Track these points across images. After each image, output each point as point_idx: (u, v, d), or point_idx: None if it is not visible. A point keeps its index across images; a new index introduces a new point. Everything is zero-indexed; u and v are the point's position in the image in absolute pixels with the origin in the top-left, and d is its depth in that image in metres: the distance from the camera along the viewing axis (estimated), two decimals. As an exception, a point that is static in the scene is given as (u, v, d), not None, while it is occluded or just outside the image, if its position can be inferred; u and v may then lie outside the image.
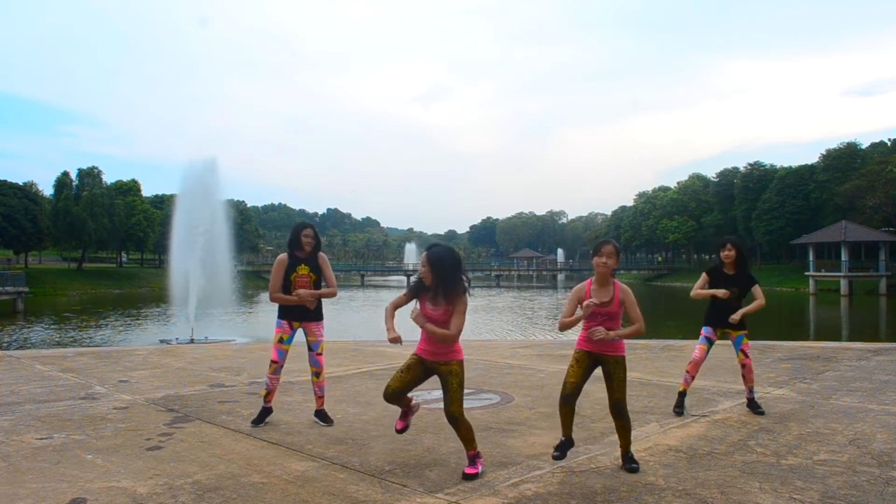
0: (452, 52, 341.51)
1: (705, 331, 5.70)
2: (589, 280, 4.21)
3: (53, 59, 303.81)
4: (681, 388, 5.71)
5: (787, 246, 59.71)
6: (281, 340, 5.28)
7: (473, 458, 4.03)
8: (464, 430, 4.00)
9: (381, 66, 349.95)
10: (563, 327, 4.16)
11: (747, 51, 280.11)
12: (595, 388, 6.84)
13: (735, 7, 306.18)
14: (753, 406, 5.67)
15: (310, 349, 5.38)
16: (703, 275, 5.77)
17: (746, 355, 5.63)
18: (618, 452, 4.49)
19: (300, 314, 5.30)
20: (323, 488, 3.77)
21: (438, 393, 6.69)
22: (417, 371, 4.10)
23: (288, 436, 4.98)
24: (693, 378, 5.70)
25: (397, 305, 4.18)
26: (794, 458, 4.31)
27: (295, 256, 5.28)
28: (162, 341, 18.15)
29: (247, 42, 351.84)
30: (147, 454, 4.51)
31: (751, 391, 5.71)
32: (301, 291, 5.19)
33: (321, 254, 5.38)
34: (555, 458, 4.22)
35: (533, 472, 4.09)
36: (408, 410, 4.36)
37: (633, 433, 5.00)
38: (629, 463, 4.12)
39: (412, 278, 4.27)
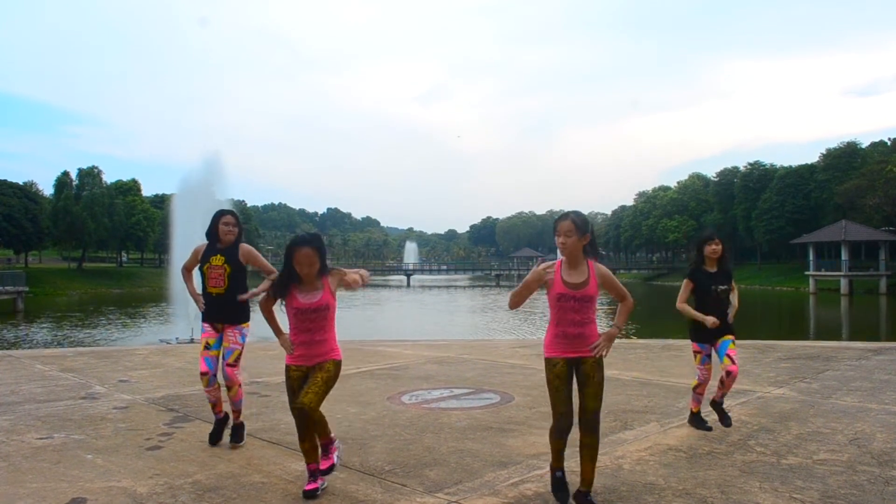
0: (452, 52, 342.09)
1: (702, 348, 5.01)
2: (559, 261, 3.52)
3: (54, 59, 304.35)
4: (693, 409, 5.16)
5: (788, 245, 59.66)
6: (207, 346, 4.63)
7: (326, 446, 3.79)
8: (319, 427, 3.70)
9: (381, 66, 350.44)
10: (514, 303, 3.60)
11: (748, 51, 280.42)
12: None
13: (735, 7, 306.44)
14: (720, 411, 5.07)
15: (222, 357, 4.70)
16: (686, 281, 5.07)
17: (734, 361, 4.94)
18: (619, 452, 4.49)
19: (219, 314, 4.62)
20: (323, 488, 3.77)
21: (438, 393, 6.71)
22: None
23: (288, 435, 4.97)
24: (703, 397, 5.12)
25: (269, 308, 3.84)
26: (794, 458, 4.31)
27: (213, 246, 4.66)
28: (162, 341, 18.13)
29: (247, 42, 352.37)
30: (147, 454, 4.51)
31: (723, 396, 5.08)
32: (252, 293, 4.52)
33: (244, 244, 4.71)
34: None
35: (533, 471, 4.08)
36: (315, 469, 3.71)
37: (634, 432, 5.02)
38: (584, 498, 3.46)
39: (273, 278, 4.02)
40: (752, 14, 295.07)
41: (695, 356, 5.08)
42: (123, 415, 5.71)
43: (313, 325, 3.63)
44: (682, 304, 5.06)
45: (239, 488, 3.81)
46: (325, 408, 5.53)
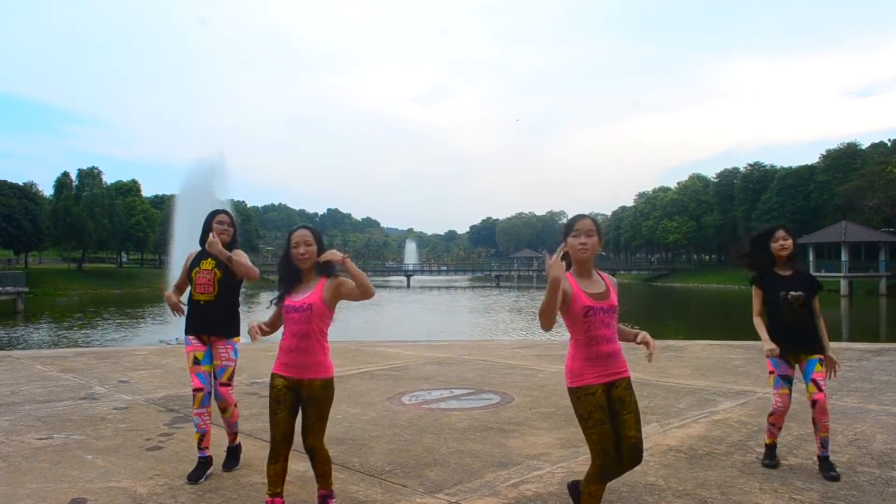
0: (452, 52, 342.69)
1: (775, 366, 4.11)
2: (567, 273, 2.91)
3: (54, 60, 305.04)
4: (766, 441, 4.29)
5: (788, 246, 59.66)
6: (196, 361, 4.13)
7: (325, 499, 3.33)
8: (320, 464, 3.30)
9: (381, 66, 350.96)
10: (548, 321, 2.71)
11: (747, 51, 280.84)
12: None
13: (735, 7, 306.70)
14: (826, 467, 3.97)
15: (213, 376, 4.20)
16: (754, 289, 4.22)
17: (820, 388, 4.02)
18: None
19: (205, 325, 4.17)
20: (323, 488, 3.77)
21: (438, 393, 6.71)
22: (291, 398, 3.26)
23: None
24: (780, 430, 4.26)
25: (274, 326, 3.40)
26: (794, 459, 4.31)
27: (204, 250, 4.25)
28: (162, 341, 18.11)
29: (247, 42, 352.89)
30: (147, 454, 4.52)
31: (823, 444, 4.02)
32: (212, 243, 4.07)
33: (237, 250, 4.26)
34: None
35: (533, 472, 4.09)
36: None
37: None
38: None
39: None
40: (752, 14, 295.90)
41: (769, 377, 4.22)
42: (123, 415, 5.71)
43: (298, 327, 3.22)
44: (756, 319, 4.15)
45: (239, 489, 3.82)
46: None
